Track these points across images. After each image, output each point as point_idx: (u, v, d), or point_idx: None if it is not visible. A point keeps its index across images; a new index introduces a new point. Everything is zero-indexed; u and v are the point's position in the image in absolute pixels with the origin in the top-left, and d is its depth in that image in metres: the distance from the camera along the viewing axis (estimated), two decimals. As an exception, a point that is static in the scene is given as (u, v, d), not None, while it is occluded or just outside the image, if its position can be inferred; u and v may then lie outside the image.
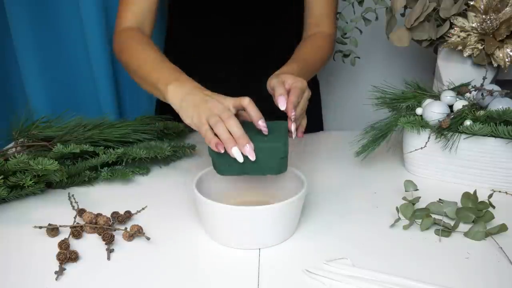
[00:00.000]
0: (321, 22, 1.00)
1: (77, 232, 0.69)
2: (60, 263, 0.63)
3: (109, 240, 0.67)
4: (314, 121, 1.20)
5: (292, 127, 0.70)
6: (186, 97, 0.71)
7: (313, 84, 1.14)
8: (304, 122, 0.75)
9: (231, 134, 0.65)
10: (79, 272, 0.62)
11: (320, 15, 1.00)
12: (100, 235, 0.70)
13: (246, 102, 0.68)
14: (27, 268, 0.63)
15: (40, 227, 0.70)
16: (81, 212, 0.75)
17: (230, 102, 0.69)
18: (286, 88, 0.73)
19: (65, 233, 0.71)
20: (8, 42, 1.19)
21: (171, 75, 0.76)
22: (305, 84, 0.74)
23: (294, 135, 0.71)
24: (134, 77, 0.86)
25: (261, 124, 0.67)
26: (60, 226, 0.71)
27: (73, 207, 0.78)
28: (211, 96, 0.70)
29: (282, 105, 0.70)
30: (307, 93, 0.74)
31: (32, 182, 0.77)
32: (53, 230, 0.70)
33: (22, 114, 0.91)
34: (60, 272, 0.61)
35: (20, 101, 1.27)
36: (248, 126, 0.67)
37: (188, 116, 0.69)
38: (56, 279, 0.61)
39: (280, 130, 0.70)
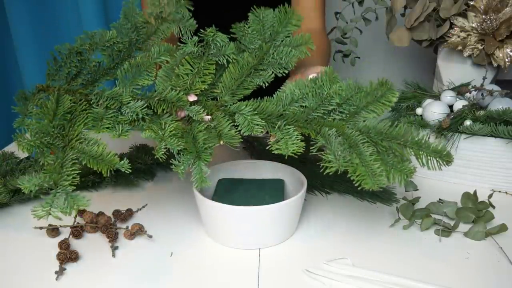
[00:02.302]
0: (308, 16, 0.98)
1: (77, 232, 0.69)
2: (60, 263, 0.63)
3: (113, 237, 0.67)
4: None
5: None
6: None
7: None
8: None
9: None
10: (79, 272, 0.62)
11: (306, 8, 0.99)
12: (102, 233, 0.69)
13: None
14: (27, 268, 0.63)
15: (41, 228, 0.70)
16: (81, 212, 0.75)
17: None
18: None
19: (65, 233, 0.71)
20: (8, 42, 1.20)
21: None
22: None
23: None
24: None
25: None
26: (60, 226, 0.71)
27: (73, 207, 0.78)
28: None
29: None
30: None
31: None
32: (53, 231, 0.70)
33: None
34: (60, 272, 0.61)
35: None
36: (248, 184, 0.71)
37: None
38: (56, 279, 0.61)
39: (278, 190, 0.73)
